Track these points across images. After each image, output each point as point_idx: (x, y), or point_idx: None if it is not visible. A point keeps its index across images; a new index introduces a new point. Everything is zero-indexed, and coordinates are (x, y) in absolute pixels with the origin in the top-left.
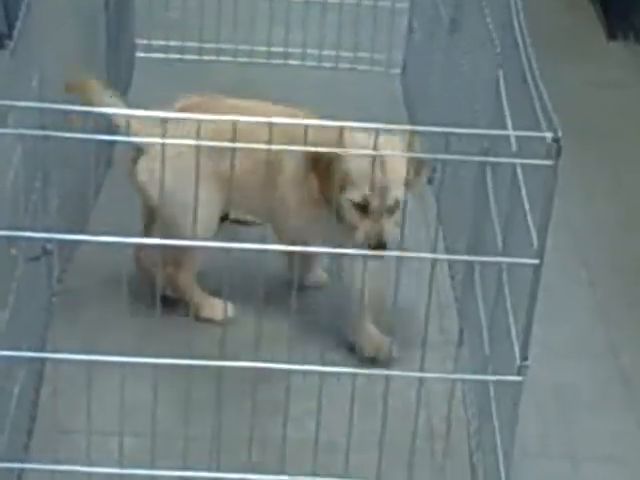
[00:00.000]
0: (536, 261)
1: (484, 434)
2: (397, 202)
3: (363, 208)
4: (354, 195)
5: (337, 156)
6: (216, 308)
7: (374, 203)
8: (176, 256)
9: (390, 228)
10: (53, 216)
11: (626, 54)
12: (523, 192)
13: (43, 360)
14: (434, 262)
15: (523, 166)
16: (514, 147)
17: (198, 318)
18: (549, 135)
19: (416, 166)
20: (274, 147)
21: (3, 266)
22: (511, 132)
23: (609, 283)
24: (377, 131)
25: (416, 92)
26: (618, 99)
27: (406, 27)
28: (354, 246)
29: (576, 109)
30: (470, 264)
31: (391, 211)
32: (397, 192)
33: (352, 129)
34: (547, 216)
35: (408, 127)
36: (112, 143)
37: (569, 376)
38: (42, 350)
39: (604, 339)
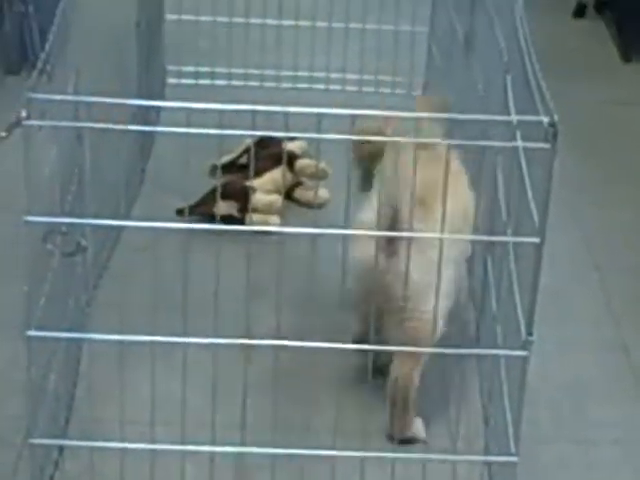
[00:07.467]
0: (537, 240)
1: (496, 412)
2: None
3: None
4: None
5: None
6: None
7: None
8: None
9: None
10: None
11: None
12: (525, 176)
13: (78, 353)
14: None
15: (526, 156)
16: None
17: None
18: (546, 119)
19: None
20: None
21: (39, 260)
22: (512, 117)
23: (618, 284)
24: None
25: None
26: (631, 117)
27: (426, 50)
28: None
29: (588, 126)
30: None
31: None
32: None
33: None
34: (546, 196)
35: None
36: (146, 158)
37: (581, 371)
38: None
39: (614, 337)
